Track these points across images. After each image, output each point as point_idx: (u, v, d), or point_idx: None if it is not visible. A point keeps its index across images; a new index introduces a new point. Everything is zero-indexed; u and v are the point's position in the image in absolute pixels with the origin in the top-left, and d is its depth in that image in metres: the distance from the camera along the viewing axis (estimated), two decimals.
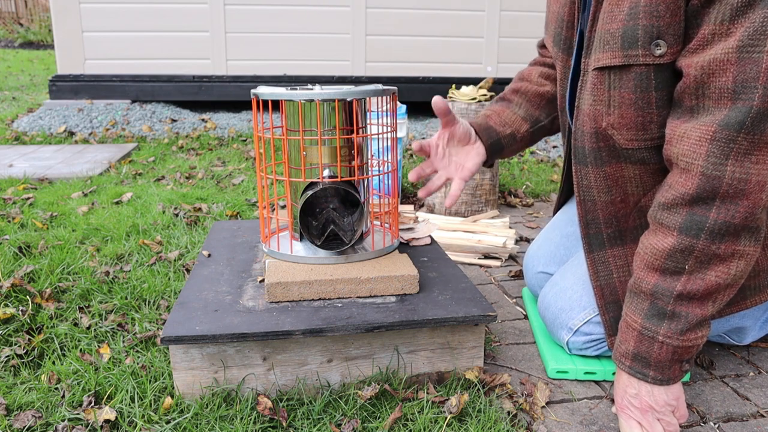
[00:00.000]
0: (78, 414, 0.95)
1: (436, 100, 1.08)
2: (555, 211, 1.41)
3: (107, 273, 1.50)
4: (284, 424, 0.94)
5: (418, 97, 4.19)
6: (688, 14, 0.82)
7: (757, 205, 0.80)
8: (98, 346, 1.17)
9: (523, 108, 1.24)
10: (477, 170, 1.19)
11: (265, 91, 1.07)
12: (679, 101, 0.86)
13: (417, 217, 1.51)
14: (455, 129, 1.17)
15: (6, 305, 1.29)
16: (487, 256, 1.75)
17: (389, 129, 1.18)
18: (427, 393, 1.01)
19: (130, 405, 0.97)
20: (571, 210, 1.34)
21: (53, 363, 1.10)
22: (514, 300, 1.47)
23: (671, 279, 0.86)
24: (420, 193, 1.18)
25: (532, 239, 1.75)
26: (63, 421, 0.94)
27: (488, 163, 1.25)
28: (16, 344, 1.17)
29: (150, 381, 1.03)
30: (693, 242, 0.83)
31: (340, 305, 1.04)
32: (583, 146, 0.99)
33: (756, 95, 0.76)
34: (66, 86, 4.07)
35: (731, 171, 0.79)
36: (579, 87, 0.99)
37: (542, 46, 1.33)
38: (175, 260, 1.59)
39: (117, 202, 2.20)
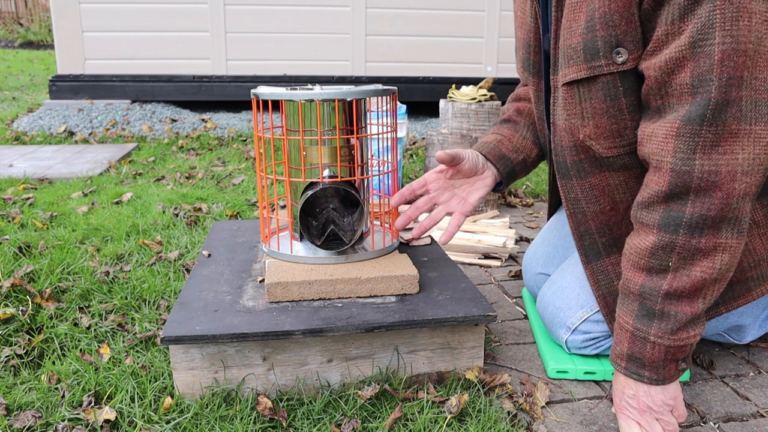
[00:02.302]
0: (78, 414, 0.95)
1: (440, 155, 1.05)
2: (548, 218, 1.42)
3: (107, 273, 1.50)
4: (284, 424, 0.94)
5: (418, 97, 4.19)
6: (642, 19, 0.84)
7: (730, 196, 0.81)
8: (98, 346, 1.17)
9: (530, 130, 1.22)
10: (479, 205, 1.15)
11: (265, 91, 1.07)
12: (646, 103, 0.88)
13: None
14: (462, 165, 1.13)
15: (6, 305, 1.29)
16: (487, 256, 1.75)
17: (389, 129, 1.19)
18: (427, 393, 1.01)
19: (130, 405, 0.97)
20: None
21: (53, 363, 1.10)
22: (514, 300, 1.47)
23: (657, 278, 0.86)
24: (413, 233, 1.10)
25: (532, 239, 1.75)
26: (63, 421, 0.94)
27: (500, 189, 1.21)
28: (16, 344, 1.17)
29: (150, 381, 1.03)
30: (673, 238, 0.84)
31: (340, 305, 1.04)
32: (565, 160, 1.01)
33: (712, 87, 0.78)
34: (66, 86, 4.07)
35: (700, 164, 0.80)
36: (552, 104, 1.01)
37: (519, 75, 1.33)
38: (175, 260, 1.59)
39: (117, 202, 2.20)
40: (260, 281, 1.14)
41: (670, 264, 0.85)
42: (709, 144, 0.79)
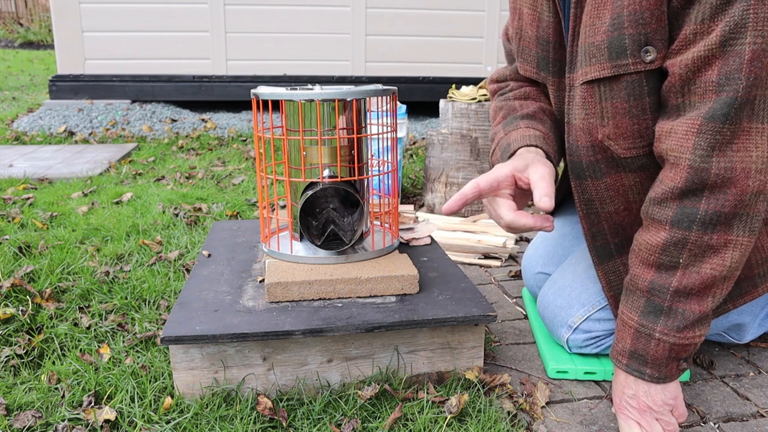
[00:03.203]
0: (78, 414, 0.95)
1: (548, 201, 0.89)
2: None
3: (107, 273, 1.50)
4: (284, 424, 0.94)
5: (418, 97, 4.19)
6: (670, 16, 0.83)
7: (744, 192, 0.81)
8: (98, 346, 1.17)
9: (554, 131, 1.13)
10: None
11: (265, 91, 1.07)
12: (665, 100, 0.87)
13: (417, 217, 1.51)
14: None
15: (6, 305, 1.29)
16: (487, 256, 1.75)
17: (389, 129, 1.18)
18: (427, 393, 1.01)
19: (130, 405, 0.97)
20: (567, 211, 1.34)
21: (53, 363, 1.10)
22: (514, 300, 1.47)
23: (667, 274, 0.86)
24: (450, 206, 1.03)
25: (532, 239, 1.75)
26: (63, 421, 0.94)
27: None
28: (16, 344, 1.17)
29: (150, 381, 1.03)
30: (686, 234, 0.84)
31: (340, 305, 1.04)
32: (580, 161, 0.99)
33: (740, 86, 0.78)
34: (66, 86, 4.07)
35: (717, 161, 0.81)
36: (567, 103, 0.99)
37: (496, 80, 1.23)
38: (175, 260, 1.59)
39: (117, 202, 2.20)
40: (260, 281, 1.14)
41: (681, 260, 0.85)
42: (726, 141, 0.80)
